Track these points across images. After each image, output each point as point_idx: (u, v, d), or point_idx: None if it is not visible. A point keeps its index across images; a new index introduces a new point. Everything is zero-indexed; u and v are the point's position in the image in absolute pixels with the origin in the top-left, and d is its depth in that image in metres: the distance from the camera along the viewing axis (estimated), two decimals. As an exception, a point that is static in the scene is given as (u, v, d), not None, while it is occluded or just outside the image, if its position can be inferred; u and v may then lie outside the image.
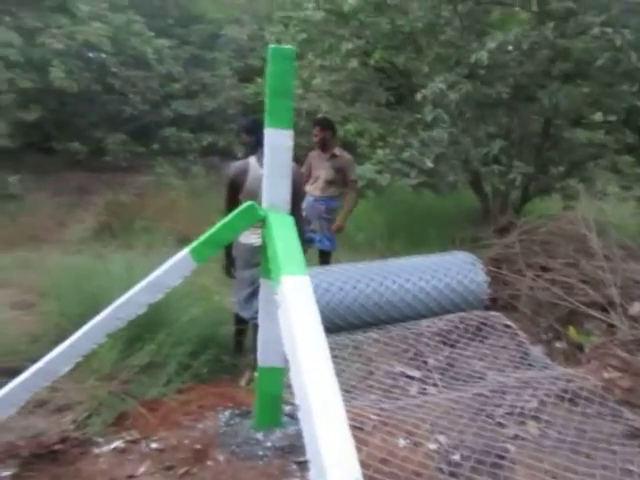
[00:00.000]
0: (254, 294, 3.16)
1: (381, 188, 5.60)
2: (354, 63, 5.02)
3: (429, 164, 4.63)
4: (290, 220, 2.26)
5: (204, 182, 9.27)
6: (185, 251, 2.25)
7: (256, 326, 3.23)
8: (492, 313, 3.68)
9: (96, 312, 3.33)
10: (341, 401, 1.61)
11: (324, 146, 4.49)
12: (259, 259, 3.11)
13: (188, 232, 6.49)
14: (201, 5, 12.66)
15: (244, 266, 3.22)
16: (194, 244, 2.26)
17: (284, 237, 2.14)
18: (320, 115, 5.48)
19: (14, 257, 5.51)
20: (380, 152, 5.64)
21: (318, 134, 4.49)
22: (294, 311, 1.81)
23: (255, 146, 3.19)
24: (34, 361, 3.05)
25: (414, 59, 5.47)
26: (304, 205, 4.10)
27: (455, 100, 4.46)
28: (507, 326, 3.56)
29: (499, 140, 4.80)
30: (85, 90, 9.31)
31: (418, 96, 4.59)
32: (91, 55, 9.48)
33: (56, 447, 2.35)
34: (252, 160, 3.18)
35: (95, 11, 9.04)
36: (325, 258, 4.61)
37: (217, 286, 3.85)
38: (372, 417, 2.55)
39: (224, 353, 3.25)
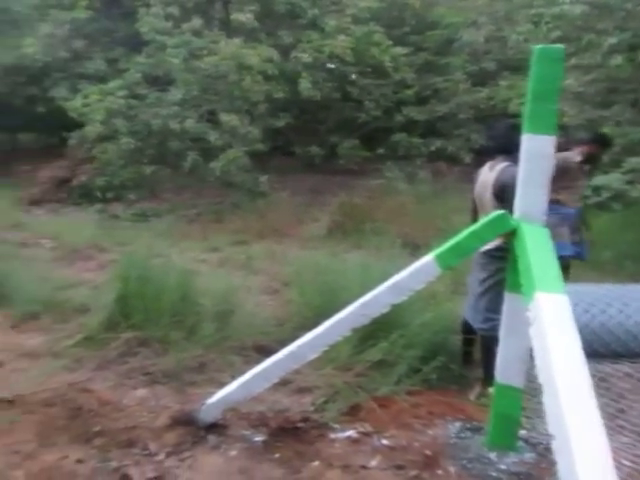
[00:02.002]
0: (484, 302, 3.06)
1: (631, 200, 4.95)
2: (618, 60, 4.48)
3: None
4: (546, 233, 2.10)
5: (430, 187, 9.28)
6: (430, 256, 2.26)
7: (485, 339, 3.12)
8: None
9: (334, 305, 3.60)
10: (606, 440, 1.44)
11: (593, 161, 4.19)
12: (494, 266, 3.01)
13: (414, 236, 6.60)
14: (437, 11, 12.70)
15: (475, 269, 3.14)
16: (440, 250, 2.26)
17: (539, 251, 2.01)
18: (568, 123, 5.05)
19: (262, 248, 6.25)
20: (634, 160, 4.97)
21: (594, 151, 4.18)
22: (550, 332, 1.68)
23: (502, 151, 3.04)
24: (280, 342, 3.42)
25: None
26: (561, 217, 3.84)
27: None
28: None
29: None
30: (326, 98, 10.10)
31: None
32: (334, 66, 10.22)
33: (299, 425, 2.57)
34: (487, 165, 3.08)
35: (340, 25, 9.73)
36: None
37: (449, 293, 3.81)
38: (625, 463, 2.24)
39: (453, 362, 3.18)
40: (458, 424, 2.63)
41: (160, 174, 8.82)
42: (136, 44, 10.35)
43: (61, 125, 13.87)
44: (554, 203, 3.93)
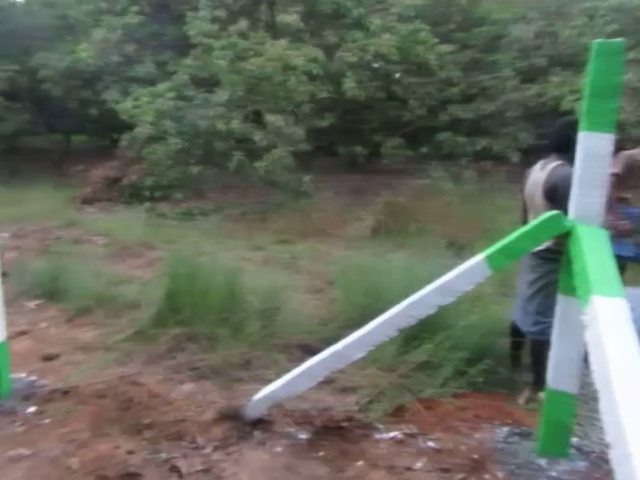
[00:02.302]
0: (533, 304, 2.97)
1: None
2: (680, 53, 4.29)
3: None
4: (604, 234, 2.03)
5: (475, 187, 9.10)
6: (480, 257, 2.21)
7: (535, 342, 3.04)
8: None
9: (378, 305, 3.58)
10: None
11: None
12: (544, 268, 2.92)
13: (459, 237, 6.49)
14: (485, 7, 12.46)
15: (525, 271, 3.06)
16: (490, 251, 2.21)
17: (596, 253, 1.94)
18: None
19: (306, 247, 6.29)
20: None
21: None
22: (608, 336, 1.62)
23: (555, 149, 2.95)
24: (324, 341, 3.43)
25: None
26: (626, 216, 3.68)
27: None
28: None
29: None
30: (370, 98, 10.06)
31: None
32: (378, 65, 10.17)
33: (343, 424, 2.57)
34: (538, 164, 2.99)
35: (385, 23, 9.68)
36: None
37: (496, 295, 3.73)
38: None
39: (500, 365, 3.11)
40: (506, 429, 2.57)
41: (206, 174, 9.00)
42: (184, 47, 10.60)
43: (111, 127, 14.39)
44: (620, 202, 3.79)
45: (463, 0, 11.60)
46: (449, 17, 12.37)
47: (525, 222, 3.07)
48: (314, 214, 8.09)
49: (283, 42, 8.39)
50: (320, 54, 8.69)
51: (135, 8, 10.97)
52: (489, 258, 2.19)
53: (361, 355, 2.40)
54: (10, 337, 2.90)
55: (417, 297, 2.31)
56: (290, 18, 8.67)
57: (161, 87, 9.03)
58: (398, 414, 2.69)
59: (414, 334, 3.10)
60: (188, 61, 9.27)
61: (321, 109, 9.89)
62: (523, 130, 10.38)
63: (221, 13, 9.41)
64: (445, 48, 10.46)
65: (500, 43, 11.54)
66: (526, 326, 3.04)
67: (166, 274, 3.93)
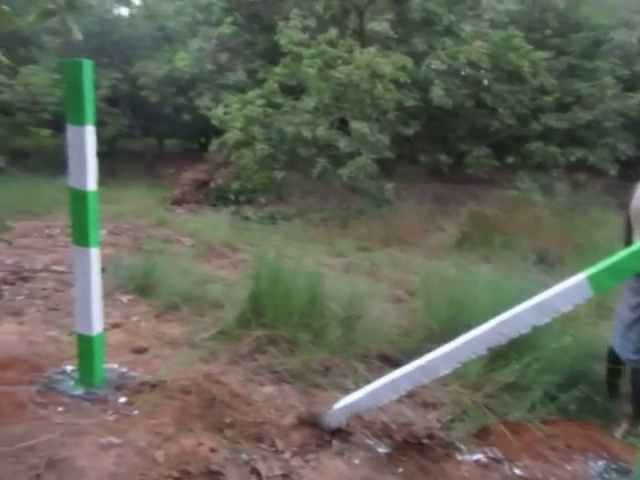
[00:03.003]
0: (636, 331, 2.76)
1: None
2: None
3: None
4: None
5: (568, 200, 8.64)
6: (581, 277, 2.07)
7: (636, 372, 2.81)
8: None
9: (462, 319, 3.47)
10: None
11: None
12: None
13: (550, 252, 6.18)
14: (583, 12, 11.82)
15: (627, 293, 2.84)
16: (593, 270, 2.06)
17: None
18: None
19: (387, 255, 6.23)
20: None
21: None
22: None
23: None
24: (404, 353, 3.37)
25: None
26: None
27: None
28: None
29: None
30: (458, 106, 9.83)
31: None
32: (466, 72, 9.92)
33: (424, 441, 2.49)
34: None
35: (477, 30, 9.43)
36: None
37: (591, 317, 3.50)
38: None
39: (595, 393, 2.90)
40: (601, 463, 2.38)
41: (290, 179, 9.16)
42: (274, 56, 10.88)
43: (201, 132, 15.07)
44: None
45: (560, 5, 11.06)
46: (544, 22, 11.85)
47: (629, 240, 2.86)
48: (395, 222, 8.02)
49: (372, 50, 8.40)
50: (409, 62, 8.60)
51: (229, 19, 11.41)
52: (591, 278, 2.04)
53: (447, 371, 2.32)
54: (105, 329, 3.06)
55: (510, 315, 2.20)
56: (380, 26, 8.65)
57: (251, 94, 9.31)
58: (482, 436, 2.57)
59: (501, 352, 2.96)
60: (277, 69, 9.50)
61: (406, 117, 9.79)
62: (623, 141, 9.74)
63: (311, 22, 9.57)
64: (540, 55, 10.01)
65: (600, 49, 10.90)
66: (626, 353, 2.83)
67: (250, 276, 4.03)
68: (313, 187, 10.12)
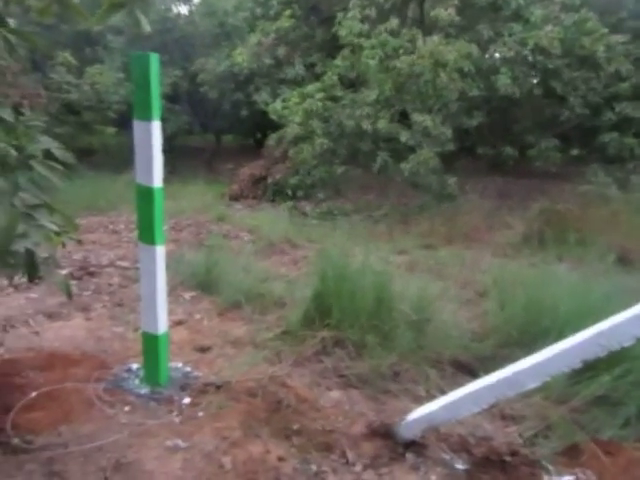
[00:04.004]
0: None
1: None
2: None
3: None
4: None
5: (647, 195, 8.06)
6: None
7: None
8: None
9: (540, 324, 3.23)
10: None
11: None
12: None
13: (630, 251, 5.75)
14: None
15: None
16: None
17: None
18: None
19: (451, 253, 5.96)
20: None
21: None
22: None
23: None
24: (479, 359, 3.16)
25: None
26: None
27: None
28: None
29: None
30: (525, 95, 9.35)
31: None
32: (535, 59, 9.40)
33: (506, 458, 2.30)
34: None
35: (548, 14, 8.91)
36: None
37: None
38: None
39: (699, 410, 2.61)
40: None
41: (349, 174, 9.00)
42: (332, 48, 10.73)
43: (257, 127, 15.14)
44: None
45: (637, -16, 10.34)
46: (619, 4, 11.10)
47: None
48: (458, 218, 7.70)
49: (435, 38, 8.09)
50: (475, 49, 8.22)
51: (288, 12, 11.34)
52: None
53: (535, 385, 2.11)
54: (169, 326, 3.02)
55: (610, 324, 1.96)
56: (444, 13, 8.31)
57: (311, 88, 9.20)
58: (571, 455, 2.35)
59: (590, 363, 2.72)
60: (337, 61, 9.34)
61: (469, 107, 9.40)
62: None
63: (371, 12, 9.34)
64: (615, 39, 9.36)
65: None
66: None
67: (313, 274, 3.91)
68: (372, 182, 9.91)
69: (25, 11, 2.75)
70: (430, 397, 2.79)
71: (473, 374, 3.02)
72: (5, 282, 4.07)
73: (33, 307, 3.95)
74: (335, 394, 2.85)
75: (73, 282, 4.65)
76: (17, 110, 2.97)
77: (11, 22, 2.07)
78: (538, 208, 7.01)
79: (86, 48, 13.30)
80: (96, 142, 13.34)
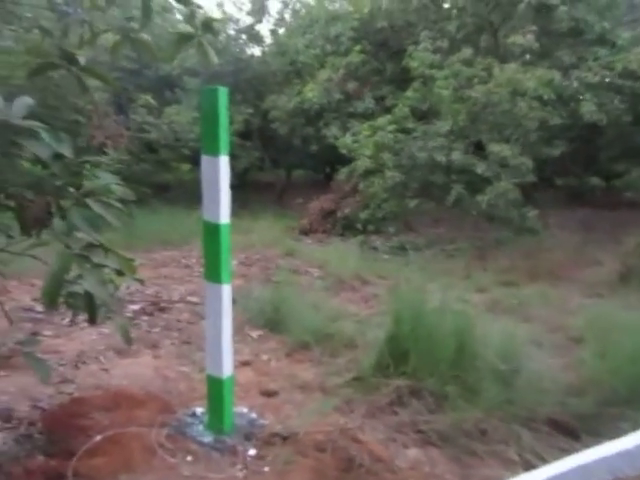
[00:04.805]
0: None
1: None
2: None
3: None
4: None
5: None
6: None
7: None
8: None
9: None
10: None
11: None
12: None
13: None
14: None
15: None
16: None
17: None
18: None
19: (535, 291, 5.50)
20: None
21: None
22: None
23: None
24: (580, 418, 2.76)
25: None
26: None
27: None
28: None
29: None
30: (612, 122, 8.75)
31: None
32: (623, 84, 8.81)
33: None
34: None
35: (636, 35, 8.37)
36: None
37: None
38: None
39: None
40: None
41: (420, 207, 8.71)
42: (402, 82, 10.62)
43: (327, 162, 15.17)
44: None
45: None
46: None
47: None
48: (541, 253, 7.19)
49: (512, 65, 7.75)
50: (557, 76, 7.80)
51: (358, 47, 11.39)
52: None
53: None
54: (234, 366, 2.86)
55: None
56: (522, 39, 7.98)
57: (381, 120, 9.08)
58: None
59: None
60: (408, 93, 9.18)
61: (549, 136, 8.90)
62: None
63: (442, 43, 9.17)
64: None
65: None
66: None
67: (386, 313, 3.66)
68: (444, 215, 9.55)
69: (99, 51, 2.78)
70: (523, 462, 2.44)
71: (573, 436, 2.64)
72: (80, 317, 4.10)
73: (104, 342, 3.94)
74: (412, 452, 2.56)
75: (144, 318, 4.65)
76: (102, 150, 2.99)
77: (81, 60, 2.04)
78: (634, 242, 6.39)
79: (166, 90, 13.93)
80: (172, 178, 13.84)
